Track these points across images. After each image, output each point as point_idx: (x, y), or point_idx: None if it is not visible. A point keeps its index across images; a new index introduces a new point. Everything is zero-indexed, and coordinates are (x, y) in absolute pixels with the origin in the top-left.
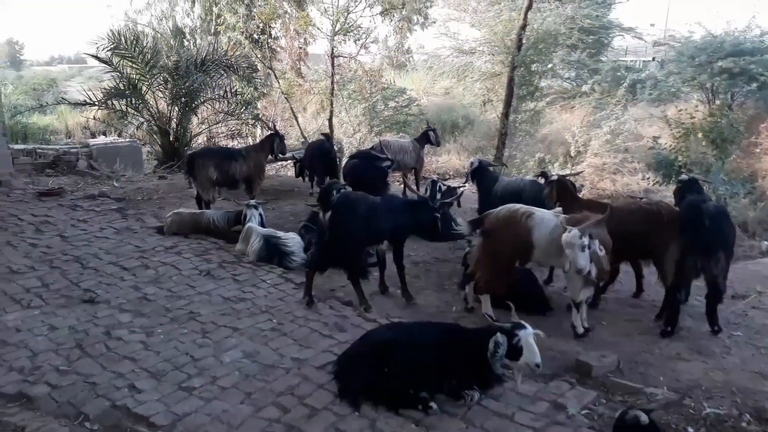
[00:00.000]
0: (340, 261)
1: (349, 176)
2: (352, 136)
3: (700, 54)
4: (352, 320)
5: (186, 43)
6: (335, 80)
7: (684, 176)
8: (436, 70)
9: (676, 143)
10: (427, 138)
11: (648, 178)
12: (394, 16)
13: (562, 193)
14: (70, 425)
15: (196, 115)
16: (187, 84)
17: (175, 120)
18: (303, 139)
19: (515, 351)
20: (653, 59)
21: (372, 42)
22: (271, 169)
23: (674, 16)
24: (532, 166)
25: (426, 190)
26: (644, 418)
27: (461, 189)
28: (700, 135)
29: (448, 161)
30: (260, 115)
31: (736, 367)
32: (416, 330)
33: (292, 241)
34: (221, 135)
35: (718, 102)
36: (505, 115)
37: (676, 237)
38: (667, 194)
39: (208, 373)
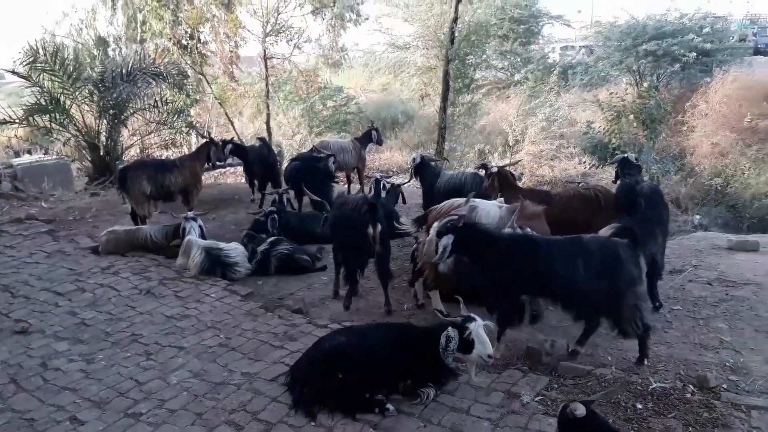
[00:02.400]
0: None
1: (292, 179)
2: (291, 138)
3: (626, 38)
4: (302, 328)
5: (111, 53)
6: (270, 82)
7: (618, 156)
8: (372, 67)
9: (608, 126)
10: (369, 137)
11: (584, 162)
12: (325, 14)
13: (503, 183)
14: None
15: (126, 127)
16: (114, 95)
17: (104, 133)
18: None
19: (467, 344)
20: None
21: (305, 42)
22: (209, 177)
23: (600, 2)
24: (473, 157)
25: (370, 188)
26: (581, 411)
27: (404, 185)
28: (631, 117)
29: (391, 158)
30: (194, 123)
31: (678, 340)
32: (368, 333)
33: (235, 251)
34: (155, 146)
35: (645, 84)
36: (443, 108)
37: (614, 219)
38: (603, 177)
39: (154, 396)
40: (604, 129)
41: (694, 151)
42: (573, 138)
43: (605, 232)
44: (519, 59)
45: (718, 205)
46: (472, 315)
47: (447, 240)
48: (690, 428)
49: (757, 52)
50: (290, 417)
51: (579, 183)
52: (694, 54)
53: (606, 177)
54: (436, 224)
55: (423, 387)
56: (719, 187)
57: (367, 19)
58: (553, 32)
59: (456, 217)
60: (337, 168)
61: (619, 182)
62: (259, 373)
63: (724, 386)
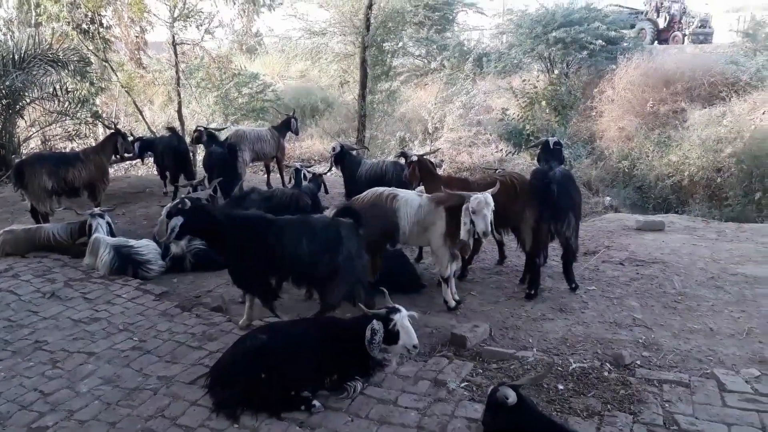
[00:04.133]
0: None
1: (208, 165)
2: (209, 125)
3: (536, 26)
4: (222, 327)
5: (2, 37)
6: (181, 69)
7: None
8: (288, 53)
9: (522, 113)
10: (288, 125)
11: (501, 149)
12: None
13: (423, 172)
14: None
15: (22, 118)
16: (6, 83)
17: None
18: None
19: (392, 335)
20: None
21: (216, 27)
22: (118, 170)
23: None
24: (394, 145)
25: (290, 178)
26: (512, 398)
27: (325, 174)
28: (543, 103)
29: (311, 146)
30: (100, 112)
31: (594, 319)
32: (290, 329)
33: (147, 248)
34: (57, 137)
35: (556, 71)
36: (362, 96)
37: (529, 205)
38: (519, 162)
39: (62, 407)
40: (518, 115)
41: (603, 135)
42: (489, 125)
43: (329, 212)
44: (435, 46)
45: (626, 187)
46: (397, 306)
47: (176, 221)
48: (608, 406)
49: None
50: (212, 420)
51: (495, 170)
52: (601, 41)
53: (522, 162)
54: (168, 205)
55: (350, 381)
56: (626, 170)
57: (281, 4)
58: (468, 20)
59: (184, 199)
60: (255, 158)
61: (533, 169)
62: (177, 376)
63: (638, 363)
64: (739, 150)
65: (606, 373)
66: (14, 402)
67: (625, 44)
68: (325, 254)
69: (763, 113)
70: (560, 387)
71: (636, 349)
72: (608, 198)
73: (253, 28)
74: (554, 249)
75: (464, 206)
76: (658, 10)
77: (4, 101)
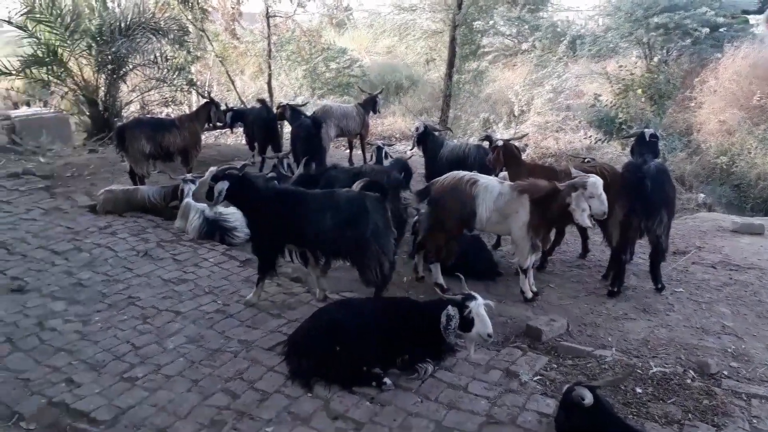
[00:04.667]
0: None
1: (294, 138)
2: (293, 100)
3: (637, 9)
4: (300, 297)
5: (110, 5)
6: (272, 41)
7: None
8: (377, 29)
9: (616, 100)
10: (373, 103)
11: (590, 136)
12: None
13: (507, 158)
14: (4, 426)
15: (125, 83)
16: (112, 50)
17: (102, 89)
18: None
19: (467, 323)
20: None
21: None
22: (209, 137)
23: None
24: (477, 126)
25: (371, 156)
26: (588, 399)
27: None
28: (639, 91)
29: (393, 123)
30: (195, 81)
31: (679, 323)
32: (367, 306)
33: (234, 216)
34: (154, 103)
35: (656, 58)
36: (449, 75)
37: (619, 198)
38: (608, 151)
39: (150, 361)
40: (611, 102)
41: (701, 128)
42: (579, 110)
43: (356, 186)
44: (527, 26)
45: (723, 184)
46: (473, 293)
47: (222, 185)
48: (689, 415)
49: None
50: (287, 387)
51: (585, 159)
52: (707, 29)
53: (611, 152)
54: (212, 169)
55: (421, 362)
56: (725, 166)
57: None
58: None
59: (236, 167)
60: (339, 134)
61: (626, 162)
62: (257, 342)
63: (725, 373)
64: None
65: (689, 381)
66: (109, 351)
67: (733, 32)
68: (350, 228)
69: None
70: (638, 390)
71: (724, 358)
72: (702, 195)
73: (344, 2)
74: (641, 246)
75: (576, 193)
76: None
77: (109, 66)
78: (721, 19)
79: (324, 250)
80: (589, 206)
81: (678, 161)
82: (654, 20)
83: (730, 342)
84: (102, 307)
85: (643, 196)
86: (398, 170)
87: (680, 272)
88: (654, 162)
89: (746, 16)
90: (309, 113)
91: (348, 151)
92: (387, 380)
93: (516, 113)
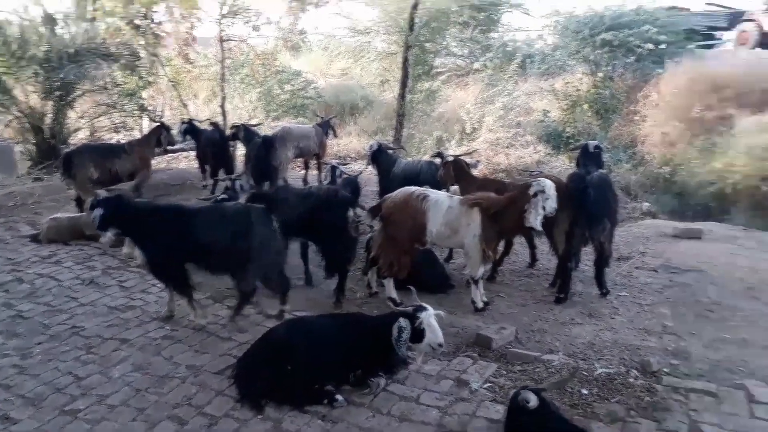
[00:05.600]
0: None
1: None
2: (249, 123)
3: (584, 28)
4: (252, 319)
5: (60, 31)
6: (226, 65)
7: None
8: (332, 51)
9: (563, 115)
10: (328, 124)
11: (539, 151)
12: None
13: (457, 172)
14: None
15: (73, 109)
16: (60, 76)
17: (49, 115)
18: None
19: (418, 334)
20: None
21: (263, 23)
22: (160, 161)
23: None
24: (431, 144)
25: (325, 176)
26: (533, 402)
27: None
28: (585, 106)
29: (349, 143)
30: (147, 106)
31: (623, 325)
32: (318, 324)
33: None
34: (104, 129)
35: (600, 74)
36: (402, 95)
37: (564, 208)
38: (557, 165)
39: (94, 392)
40: (559, 118)
41: (645, 141)
42: (529, 126)
43: (242, 198)
44: (479, 47)
45: (666, 193)
46: (423, 304)
47: (97, 212)
48: (632, 412)
49: None
50: (236, 410)
51: (532, 172)
52: (650, 45)
53: (559, 165)
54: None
55: (373, 377)
56: (667, 176)
57: (327, 2)
58: (513, 21)
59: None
60: (298, 154)
61: (570, 173)
62: (206, 366)
63: (666, 370)
64: None
65: (632, 380)
66: (49, 384)
67: (674, 49)
68: (235, 241)
69: None
70: (584, 392)
71: (664, 356)
72: (646, 204)
73: (299, 26)
74: (587, 253)
75: (535, 199)
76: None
77: (57, 93)
78: (662, 37)
79: (214, 266)
80: (544, 207)
81: (623, 172)
82: (600, 38)
83: (670, 341)
84: (43, 339)
85: (586, 206)
86: (348, 189)
87: (624, 277)
88: (597, 172)
89: (690, 32)
90: (264, 134)
91: (303, 171)
92: (339, 397)
93: (468, 131)
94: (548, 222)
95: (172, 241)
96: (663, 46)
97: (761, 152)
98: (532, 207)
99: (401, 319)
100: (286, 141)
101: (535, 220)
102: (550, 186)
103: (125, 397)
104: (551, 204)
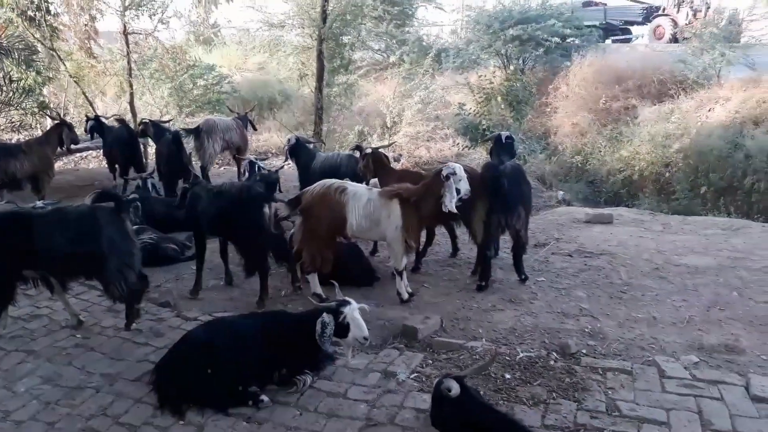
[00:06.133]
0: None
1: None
2: (160, 119)
3: (494, 23)
4: (169, 323)
5: None
6: (134, 59)
7: (493, 134)
8: (246, 45)
9: (479, 108)
10: (247, 120)
11: (458, 144)
12: None
13: (377, 165)
14: None
15: None
16: None
17: None
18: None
19: (342, 328)
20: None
21: (171, 17)
22: (68, 162)
23: None
24: (352, 139)
25: (244, 171)
26: (455, 390)
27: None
28: (499, 99)
29: (269, 139)
30: (48, 103)
31: (542, 310)
32: (239, 323)
33: None
34: (1, 129)
35: (512, 67)
36: (319, 89)
37: (480, 198)
38: (475, 156)
39: None
40: (474, 111)
41: (557, 131)
42: (447, 119)
43: (88, 199)
44: (395, 41)
45: (578, 181)
46: (347, 299)
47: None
48: (554, 394)
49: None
50: (156, 417)
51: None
52: (556, 39)
53: (477, 157)
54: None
55: (300, 375)
56: (579, 164)
57: None
58: (428, 15)
59: None
60: (225, 147)
61: (484, 163)
62: (122, 374)
63: (584, 351)
64: (686, 146)
65: (552, 362)
66: None
67: (580, 42)
68: (83, 244)
69: (709, 110)
70: (507, 376)
71: (582, 338)
72: (561, 192)
73: (211, 19)
74: (506, 241)
75: (448, 182)
76: (679, 5)
77: None
78: (568, 30)
79: (59, 271)
80: (458, 190)
81: (538, 162)
82: (509, 32)
83: (587, 322)
84: None
85: (501, 195)
86: (263, 185)
87: (541, 263)
88: (510, 162)
89: (592, 27)
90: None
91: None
92: (264, 397)
93: (388, 125)
94: (466, 211)
95: (8, 250)
96: (570, 40)
97: (662, 140)
98: (447, 190)
99: (324, 315)
100: (213, 133)
101: (450, 202)
102: (459, 168)
103: (33, 411)
104: (464, 185)
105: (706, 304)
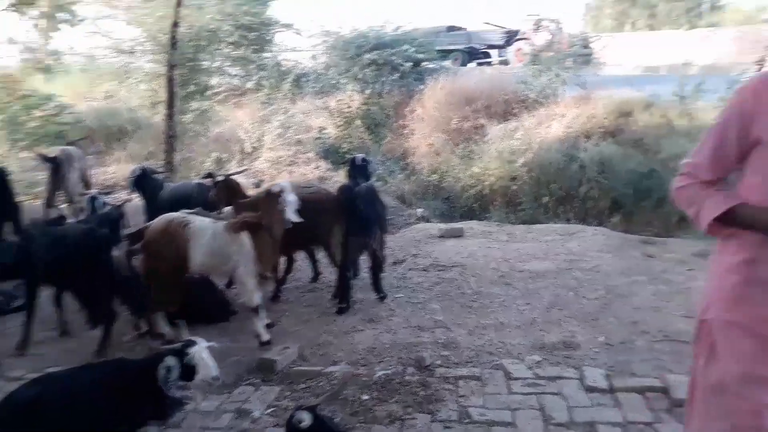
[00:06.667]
0: None
1: None
2: None
3: (350, 48)
4: None
5: None
6: None
7: (348, 158)
8: (92, 73)
9: (339, 131)
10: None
11: (320, 167)
12: (25, 12)
13: (230, 193)
14: None
15: None
16: None
17: None
18: None
19: (189, 370)
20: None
21: (3, 43)
22: None
23: (330, 13)
24: (210, 166)
25: (84, 208)
26: (306, 421)
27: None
28: (358, 122)
29: (118, 171)
30: None
31: (400, 326)
32: (70, 379)
33: None
34: None
35: (369, 91)
36: (169, 116)
37: (337, 220)
38: (338, 179)
39: None
40: (335, 134)
41: (415, 152)
42: (308, 144)
43: None
44: (253, 66)
45: (435, 198)
46: (193, 338)
47: None
48: (409, 409)
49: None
50: None
51: (304, 187)
52: (410, 63)
53: (340, 179)
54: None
55: (144, 426)
56: (436, 182)
57: (83, 20)
58: (285, 40)
59: None
60: (81, 176)
61: (339, 186)
62: None
63: (438, 362)
64: (529, 160)
65: (408, 377)
66: None
67: (432, 66)
68: None
69: (548, 127)
70: (365, 397)
71: (436, 349)
72: (420, 210)
73: (50, 46)
74: (365, 261)
75: (280, 198)
76: (537, 29)
77: None
78: (421, 55)
79: None
80: (292, 201)
81: (398, 182)
82: (366, 57)
83: (441, 334)
84: None
85: (357, 215)
86: (106, 224)
87: (399, 279)
88: (365, 184)
89: (456, 51)
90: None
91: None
92: None
93: (248, 150)
94: (323, 234)
95: None
96: (424, 64)
97: (508, 155)
98: (285, 205)
99: (168, 358)
100: (72, 163)
101: (292, 214)
102: (285, 183)
103: None
104: (293, 197)
105: (546, 305)
